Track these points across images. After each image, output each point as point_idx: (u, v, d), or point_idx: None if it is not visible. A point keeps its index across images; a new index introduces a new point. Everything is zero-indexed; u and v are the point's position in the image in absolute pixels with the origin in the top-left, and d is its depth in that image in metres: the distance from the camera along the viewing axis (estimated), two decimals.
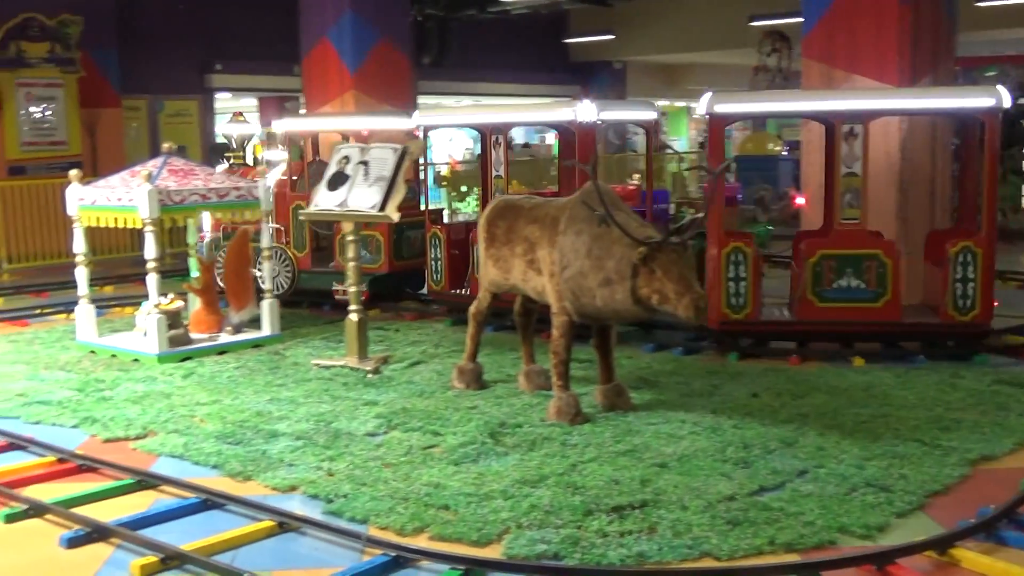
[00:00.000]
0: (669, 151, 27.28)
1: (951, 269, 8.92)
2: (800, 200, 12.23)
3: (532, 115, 13.17)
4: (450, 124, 11.43)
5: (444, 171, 22.57)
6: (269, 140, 13.74)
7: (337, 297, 11.48)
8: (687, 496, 5.82)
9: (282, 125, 13.02)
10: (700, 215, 7.40)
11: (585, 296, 7.16)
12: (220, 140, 15.10)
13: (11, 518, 5.80)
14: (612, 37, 25.96)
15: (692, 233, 7.10)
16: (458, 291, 11.13)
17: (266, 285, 10.30)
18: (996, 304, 9.20)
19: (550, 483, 6.08)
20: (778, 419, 7.32)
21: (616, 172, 23.70)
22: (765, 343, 9.56)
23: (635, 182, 14.36)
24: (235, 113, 15.18)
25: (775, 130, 27.07)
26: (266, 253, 10.30)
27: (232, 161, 13.23)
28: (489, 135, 10.65)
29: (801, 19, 11.35)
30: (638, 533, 5.36)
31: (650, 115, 11.29)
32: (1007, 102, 8.84)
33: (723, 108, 9.38)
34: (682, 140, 37.63)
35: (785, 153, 21.69)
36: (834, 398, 7.86)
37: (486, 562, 5.06)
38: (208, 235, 12.40)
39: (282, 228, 12.22)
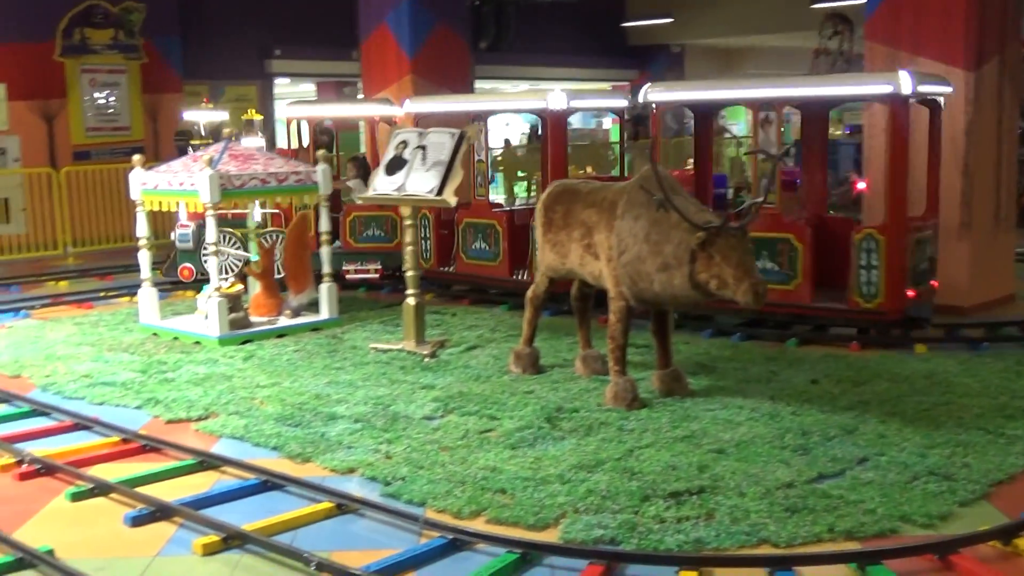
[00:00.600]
0: (727, 135, 27.04)
1: (854, 256, 8.98)
2: (861, 185, 12.06)
3: (510, 103, 13.31)
4: (439, 111, 11.85)
5: (500, 155, 22.55)
6: (247, 127, 13.35)
7: (348, 277, 12.13)
8: (745, 482, 5.78)
9: (289, 111, 13.54)
10: (759, 200, 7.33)
11: (643, 281, 7.13)
12: (195, 128, 14.31)
13: (77, 496, 5.92)
14: (671, 20, 25.76)
15: (751, 218, 7.04)
16: (446, 268, 11.95)
17: (325, 269, 10.37)
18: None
19: (607, 468, 6.07)
20: (838, 406, 7.24)
21: (673, 156, 23.54)
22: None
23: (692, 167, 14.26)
24: (205, 99, 14.64)
25: (836, 114, 26.72)
26: (324, 237, 10.37)
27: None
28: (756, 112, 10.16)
29: (864, 0, 11.17)
30: (695, 519, 5.34)
31: (620, 103, 12.05)
32: (907, 88, 8.62)
33: (658, 96, 10.09)
34: (740, 124, 37.27)
35: (846, 137, 21.39)
36: (895, 385, 7.76)
37: (543, 546, 5.06)
38: (182, 226, 12.46)
39: (281, 213, 12.40)
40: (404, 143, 9.45)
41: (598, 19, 26.38)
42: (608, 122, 31.28)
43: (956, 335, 9.40)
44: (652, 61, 27.31)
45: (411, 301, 9.28)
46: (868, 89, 9.24)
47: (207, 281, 10.65)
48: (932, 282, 9.55)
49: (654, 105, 10.01)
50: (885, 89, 8.79)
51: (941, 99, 9.48)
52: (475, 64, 17.82)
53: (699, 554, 4.96)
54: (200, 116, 13.41)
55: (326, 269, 10.39)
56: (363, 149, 18.75)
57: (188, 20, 18.74)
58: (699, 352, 8.94)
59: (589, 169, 21.89)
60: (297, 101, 14.00)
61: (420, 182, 9.09)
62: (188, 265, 12.43)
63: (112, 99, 17.49)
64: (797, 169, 14.13)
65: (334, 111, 14.35)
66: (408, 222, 9.28)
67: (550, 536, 5.24)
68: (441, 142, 9.22)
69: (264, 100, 21.06)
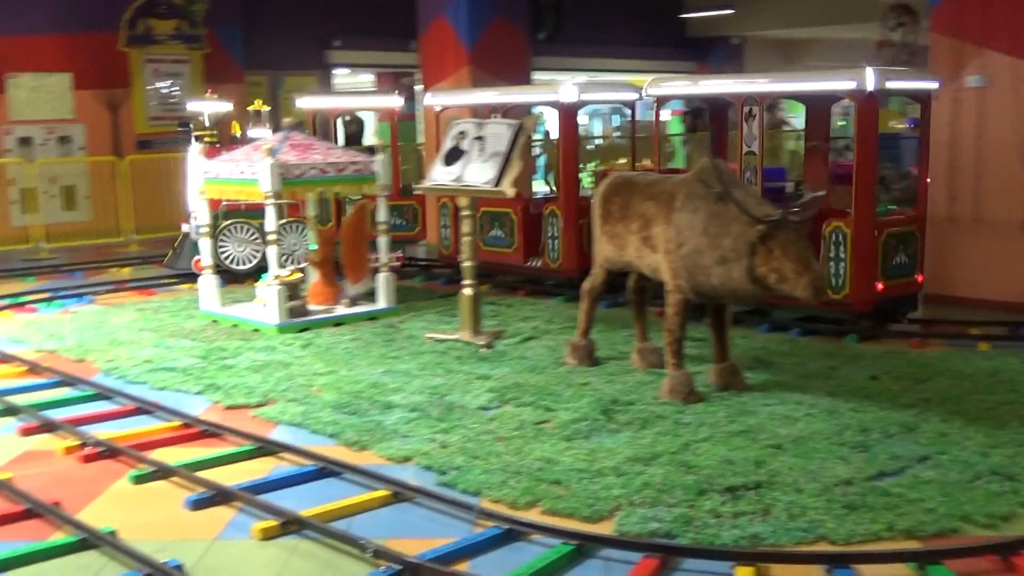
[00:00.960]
0: (786, 128, 26.75)
1: (823, 248, 9.20)
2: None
3: (522, 96, 13.08)
4: (459, 103, 12.52)
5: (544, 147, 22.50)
6: (254, 118, 13.11)
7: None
8: (803, 479, 5.73)
9: (305, 103, 13.97)
10: (820, 193, 7.25)
11: (701, 274, 7.08)
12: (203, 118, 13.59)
13: (139, 479, 6.02)
14: (731, 12, 25.50)
15: (811, 212, 6.96)
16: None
17: (383, 258, 10.42)
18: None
19: (663, 461, 6.05)
20: (898, 403, 7.15)
21: (738, 148, 23.32)
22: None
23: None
24: (207, 89, 14.36)
25: (899, 107, 26.32)
26: (383, 227, 10.42)
27: (206, 140, 12.44)
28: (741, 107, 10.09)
29: None
30: (752, 514, 5.31)
31: (631, 95, 12.25)
32: (871, 84, 8.80)
33: (657, 91, 10.88)
34: (801, 117, 36.86)
35: (909, 130, 21.04)
36: (958, 383, 7.64)
37: (598, 538, 5.06)
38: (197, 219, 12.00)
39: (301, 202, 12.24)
40: (463, 134, 9.47)
41: (657, 11, 26.18)
42: (667, 114, 31.09)
43: (1021, 333, 9.24)
44: (711, 53, 27.05)
45: (467, 291, 9.30)
46: (835, 85, 9.45)
47: (221, 272, 11.02)
48: (917, 276, 9.62)
49: (654, 99, 10.82)
50: (850, 85, 9.01)
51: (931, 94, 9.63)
52: (533, 56, 17.79)
53: (756, 550, 4.93)
54: (204, 107, 13.21)
55: (383, 259, 10.45)
56: (420, 139, 18.85)
57: (250, 11, 18.92)
58: (756, 347, 8.87)
59: (647, 162, 21.77)
60: (311, 93, 14.65)
61: (478, 173, 9.11)
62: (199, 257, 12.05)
63: (175, 89, 17.71)
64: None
65: (340, 103, 14.93)
66: (465, 213, 9.30)
67: (605, 528, 5.23)
68: (499, 133, 9.23)
69: (323, 91, 21.19)
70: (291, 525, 5.29)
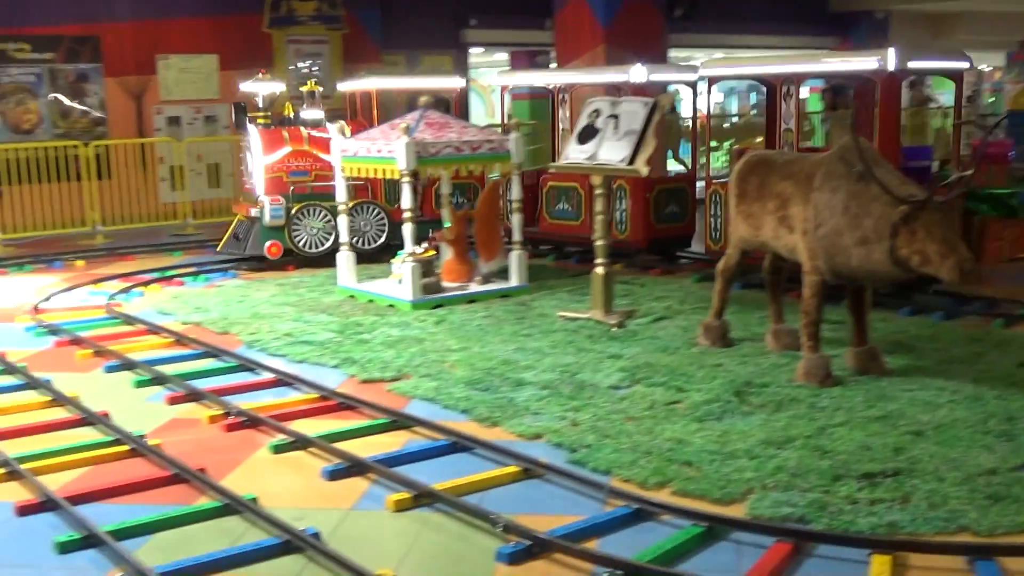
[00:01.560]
0: (932, 105, 25.84)
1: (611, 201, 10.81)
2: None
3: (590, 76, 13.35)
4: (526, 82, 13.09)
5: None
6: (309, 99, 12.92)
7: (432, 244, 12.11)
8: (944, 467, 5.56)
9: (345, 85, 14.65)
10: (967, 172, 6.99)
11: (840, 255, 6.91)
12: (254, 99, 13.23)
13: (278, 449, 6.20)
14: None
15: (958, 192, 6.71)
16: (530, 228, 12.70)
17: (516, 236, 10.47)
18: None
19: (797, 445, 5.94)
20: None
21: (875, 127, 22.65)
22: None
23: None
24: (260, 70, 13.69)
25: None
26: (516, 205, 10.47)
27: (259, 121, 12.49)
28: (780, 87, 10.69)
29: None
30: (890, 502, 5.17)
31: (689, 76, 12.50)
32: (892, 64, 9.34)
33: (709, 72, 11.64)
34: (948, 94, 35.57)
35: None
36: None
37: (729, 520, 5.01)
38: (275, 200, 12.27)
39: (367, 184, 12.68)
40: (597, 112, 9.43)
41: None
42: (806, 91, 30.37)
43: None
44: (854, 28, 26.25)
45: (600, 270, 9.28)
46: (859, 65, 9.87)
47: (295, 256, 11.47)
48: None
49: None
50: (872, 65, 9.44)
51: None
52: (668, 33, 17.59)
53: (893, 538, 4.80)
54: (258, 88, 12.89)
55: (517, 237, 10.50)
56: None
57: None
58: (897, 330, 8.62)
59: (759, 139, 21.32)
60: (368, 73, 15.04)
61: (612, 151, 9.07)
62: (276, 241, 12.16)
63: (315, 69, 18.10)
64: (1010, 141, 13.44)
65: (393, 84, 15.07)
66: (599, 191, 9.27)
67: (736, 511, 5.17)
68: (634, 111, 9.17)
69: (459, 70, 21.38)
70: (423, 498, 5.38)
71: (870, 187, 6.68)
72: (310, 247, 12.32)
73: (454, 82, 14.81)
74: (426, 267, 10.07)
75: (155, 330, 9.23)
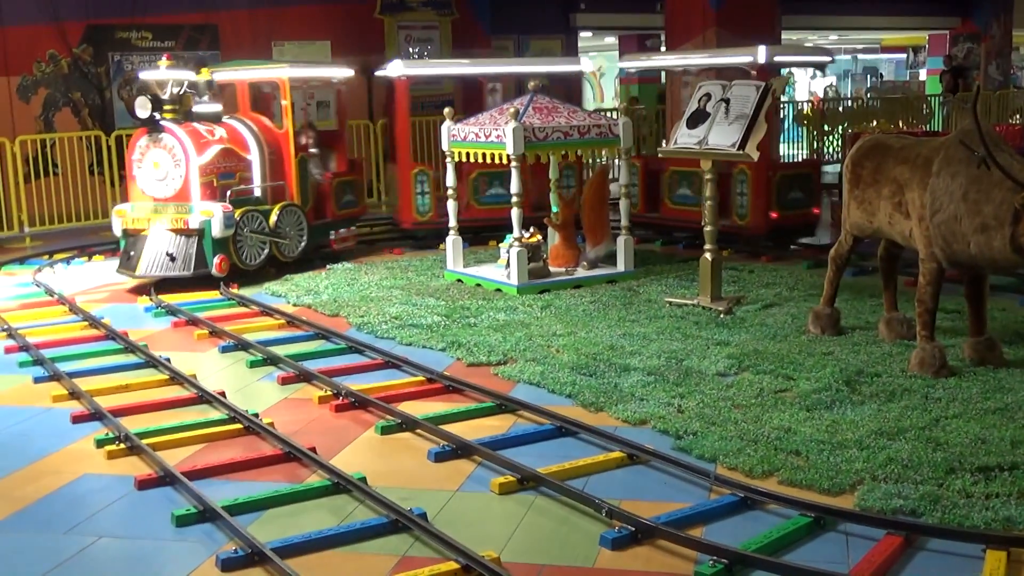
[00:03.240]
0: None
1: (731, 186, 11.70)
2: None
3: (711, 59, 13.02)
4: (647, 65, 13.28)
5: (806, 109, 21.82)
6: (207, 90, 11.19)
7: (335, 247, 12.21)
8: None
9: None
10: None
11: (958, 242, 6.72)
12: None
13: (386, 430, 6.30)
14: None
15: None
16: (652, 213, 13.33)
17: (623, 221, 10.42)
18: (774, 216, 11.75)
19: (909, 436, 5.81)
20: None
21: (996, 110, 21.95)
22: None
23: (1019, 121, 13.27)
24: (167, 56, 11.41)
25: None
26: (624, 191, 10.42)
27: (166, 116, 10.63)
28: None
29: None
30: (1006, 497, 5.02)
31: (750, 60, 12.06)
32: (762, 58, 10.99)
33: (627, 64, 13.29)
34: None
35: None
36: None
37: (838, 511, 4.92)
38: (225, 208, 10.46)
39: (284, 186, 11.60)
40: (708, 95, 9.32)
41: None
42: (924, 74, 29.58)
43: None
44: (976, 7, 25.43)
45: (708, 256, 9.18)
46: (738, 59, 11.44)
47: (244, 272, 10.71)
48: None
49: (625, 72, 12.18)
50: (748, 59, 11.21)
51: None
52: (782, 14, 17.25)
53: (1010, 534, 4.66)
54: (158, 75, 10.82)
55: (624, 222, 10.46)
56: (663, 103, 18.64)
57: None
58: (1017, 320, 8.35)
59: (900, 124, 20.81)
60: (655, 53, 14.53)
61: (722, 135, 8.96)
62: (223, 255, 10.54)
63: (426, 55, 18.25)
64: None
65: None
66: (708, 176, 9.17)
67: (845, 502, 5.09)
68: (745, 95, 9.03)
69: (568, 54, 21.34)
70: (528, 481, 5.41)
71: (991, 172, 6.47)
72: (250, 259, 10.94)
73: (573, 64, 14.48)
74: (533, 252, 10.09)
75: (268, 312, 9.46)
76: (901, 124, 20.70)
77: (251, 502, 5.21)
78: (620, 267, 10.52)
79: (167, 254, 10.46)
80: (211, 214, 10.44)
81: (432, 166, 13.51)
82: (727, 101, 9.11)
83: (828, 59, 12.95)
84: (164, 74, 10.82)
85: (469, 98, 15.06)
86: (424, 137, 16.92)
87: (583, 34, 22.34)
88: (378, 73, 13.34)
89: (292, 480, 5.56)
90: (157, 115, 10.62)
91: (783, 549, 4.64)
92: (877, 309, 8.40)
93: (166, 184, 10.63)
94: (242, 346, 8.29)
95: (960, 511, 4.88)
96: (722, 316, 8.77)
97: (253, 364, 7.85)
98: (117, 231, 10.93)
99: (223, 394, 6.97)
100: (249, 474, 5.69)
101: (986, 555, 4.47)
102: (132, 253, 10.63)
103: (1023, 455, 5.49)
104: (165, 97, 10.75)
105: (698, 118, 9.24)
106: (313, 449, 5.89)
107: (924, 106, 22.69)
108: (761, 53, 11.20)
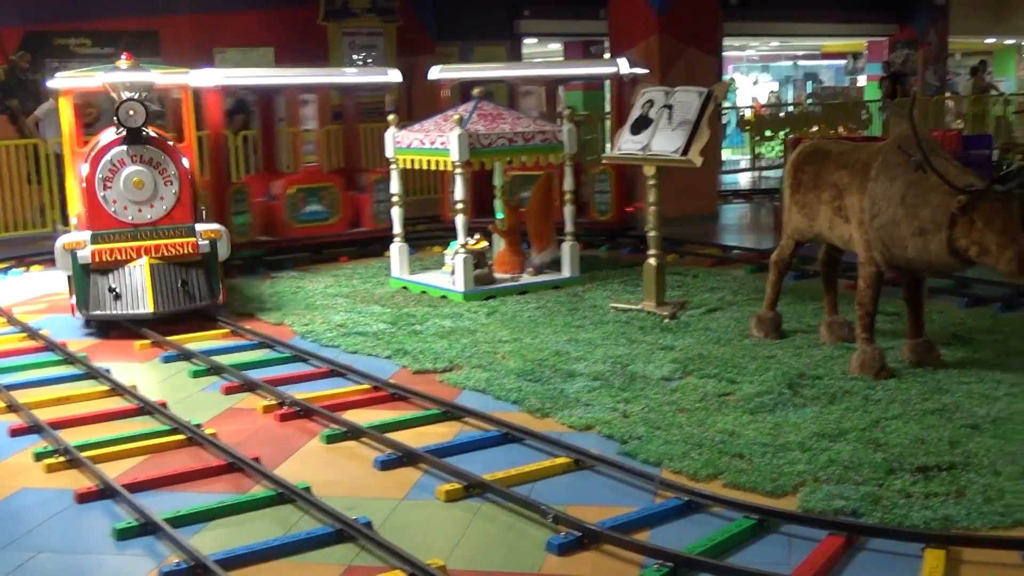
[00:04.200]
0: (994, 92, 25.39)
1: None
2: None
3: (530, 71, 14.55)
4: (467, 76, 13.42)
5: (748, 115, 22.06)
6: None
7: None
8: (1000, 461, 5.47)
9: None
10: None
11: (896, 246, 6.83)
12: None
13: (331, 439, 6.26)
14: None
15: (1019, 181, 6.60)
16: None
17: (568, 227, 10.46)
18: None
19: (850, 438, 5.89)
20: None
21: (933, 115, 22.34)
22: None
23: (956, 126, 13.53)
24: (126, 53, 9.74)
25: None
26: (569, 196, 10.45)
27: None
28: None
29: None
30: (945, 496, 5.10)
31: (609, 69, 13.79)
32: (624, 70, 13.00)
33: (444, 75, 13.13)
34: (1010, 81, 34.96)
35: None
36: None
37: (781, 513, 4.97)
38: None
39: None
40: (651, 102, 9.39)
41: None
42: (863, 79, 30.02)
43: None
44: (914, 14, 25.86)
45: (652, 261, 9.24)
46: (601, 70, 14.12)
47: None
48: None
49: (439, 82, 13.05)
50: (612, 70, 13.29)
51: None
52: (724, 21, 17.45)
53: (948, 532, 4.75)
54: (121, 78, 9.13)
55: (569, 228, 10.49)
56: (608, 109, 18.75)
57: None
58: (954, 322, 8.50)
59: (840, 129, 21.11)
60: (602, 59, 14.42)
61: (666, 141, 9.02)
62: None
63: (370, 61, 18.20)
64: None
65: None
66: (651, 182, 9.22)
67: (788, 504, 5.14)
68: (688, 101, 9.11)
69: (512, 60, 21.36)
70: (474, 488, 5.40)
71: (928, 177, 6.58)
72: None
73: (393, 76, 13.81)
74: (478, 259, 10.09)
75: (211, 321, 9.35)
76: (841, 129, 21.00)
77: (194, 514, 5.15)
78: (565, 273, 10.55)
79: (181, 284, 9.02)
80: (219, 235, 9.29)
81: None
82: (670, 107, 9.18)
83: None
84: (128, 76, 9.11)
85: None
86: None
87: (528, 40, 22.39)
88: (430, 77, 13.30)
89: (236, 491, 5.51)
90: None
91: (727, 551, 4.68)
92: (818, 312, 8.51)
93: (153, 206, 9.13)
94: (184, 356, 8.20)
95: (900, 511, 4.96)
96: (666, 321, 8.83)
97: (196, 374, 7.77)
98: (67, 266, 8.92)
99: (165, 405, 6.89)
100: (192, 485, 5.63)
101: (925, 554, 4.54)
102: (116, 288, 8.85)
103: (961, 455, 5.58)
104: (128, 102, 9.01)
105: (641, 124, 9.30)
106: (257, 459, 5.84)
107: (863, 111, 23.04)
108: (623, 65, 12.69)
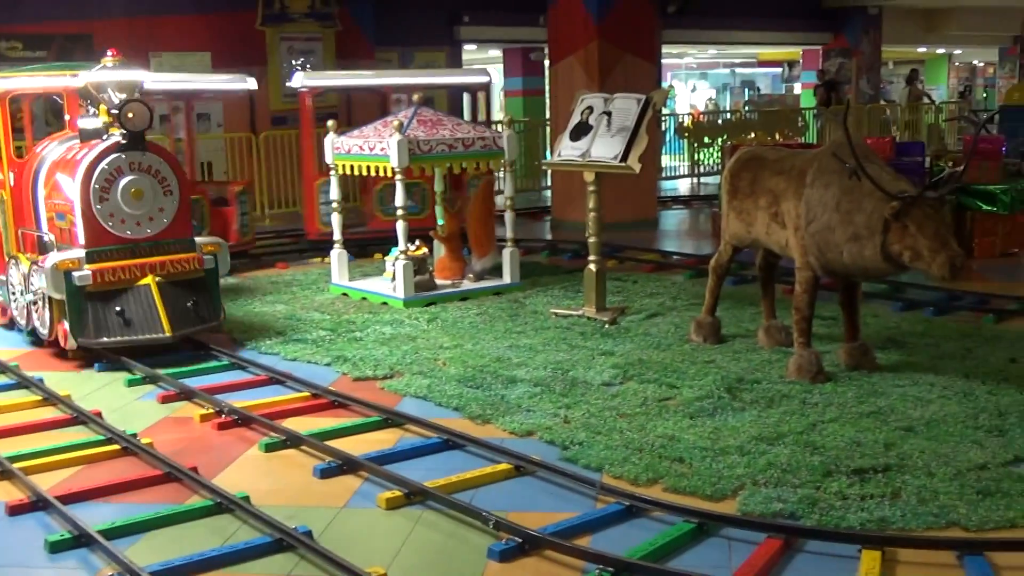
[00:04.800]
0: (926, 101, 25.88)
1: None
2: None
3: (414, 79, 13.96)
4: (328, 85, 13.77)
5: (686, 122, 22.26)
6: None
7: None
8: (934, 462, 5.57)
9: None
10: (959, 169, 7.00)
11: (831, 251, 6.92)
12: None
13: (270, 447, 6.20)
14: None
15: (950, 188, 6.73)
16: None
17: (508, 233, 10.48)
18: None
19: (788, 441, 5.96)
20: None
21: (867, 123, 22.72)
22: None
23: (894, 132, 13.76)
24: (112, 50, 8.44)
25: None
26: (509, 202, 10.47)
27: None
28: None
29: None
30: (880, 497, 5.18)
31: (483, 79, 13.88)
32: (496, 80, 12.55)
33: (310, 82, 12.71)
34: (941, 89, 35.66)
35: None
36: None
37: (720, 517, 5.01)
38: None
39: None
40: (590, 108, 9.43)
41: None
42: (798, 87, 30.45)
43: None
44: (847, 23, 26.28)
45: (592, 267, 9.28)
46: (469, 79, 13.88)
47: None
48: None
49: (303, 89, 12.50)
50: (484, 79, 13.63)
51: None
52: (663, 28, 17.59)
53: (883, 533, 4.82)
54: (107, 77, 8.25)
55: (509, 234, 10.51)
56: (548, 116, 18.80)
57: None
58: (889, 326, 8.64)
59: (777, 136, 21.38)
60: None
61: (605, 148, 9.07)
62: None
63: (308, 67, 18.07)
64: (1001, 137, 13.48)
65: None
66: (591, 188, 9.27)
67: (727, 508, 5.19)
68: (627, 108, 9.16)
69: (451, 67, 21.35)
70: (416, 496, 5.38)
71: (862, 183, 6.69)
72: None
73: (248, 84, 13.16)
74: (419, 265, 10.07)
75: None
76: (777, 136, 21.26)
77: (129, 525, 5.07)
78: (506, 279, 10.56)
79: (192, 303, 8.27)
80: (219, 249, 8.62)
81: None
82: (609, 114, 9.23)
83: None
84: (115, 75, 8.21)
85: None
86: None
87: (468, 47, 22.38)
88: (292, 84, 12.97)
89: (173, 501, 5.43)
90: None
91: (668, 556, 4.71)
92: (756, 317, 8.60)
93: (153, 219, 8.28)
94: (119, 365, 8.07)
95: (837, 513, 5.02)
96: (607, 326, 8.87)
97: (131, 383, 7.65)
98: (59, 289, 7.86)
99: (100, 414, 6.77)
100: (128, 496, 5.54)
101: (862, 555, 4.60)
102: (123, 310, 7.97)
103: (896, 457, 5.67)
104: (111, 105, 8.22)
105: (581, 130, 9.34)
106: (194, 469, 5.76)
107: (799, 119, 23.37)
108: (492, 75, 12.76)
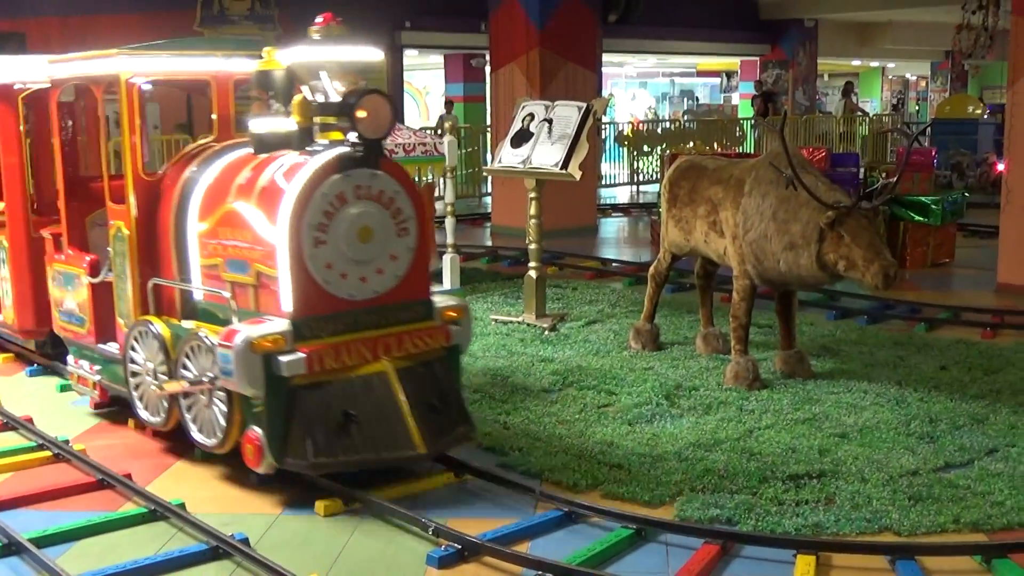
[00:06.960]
0: (859, 113, 26.33)
1: None
2: (1001, 166, 11.69)
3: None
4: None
5: (626, 130, 22.41)
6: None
7: None
8: (867, 468, 5.67)
9: None
10: (892, 180, 7.13)
11: (768, 260, 7.01)
12: None
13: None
14: None
15: (884, 198, 6.85)
16: None
17: (448, 239, 10.47)
18: None
19: (725, 448, 6.02)
20: (968, 394, 7.02)
21: (803, 134, 23.05)
22: None
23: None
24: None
25: (976, 92, 25.77)
26: (450, 208, 10.45)
27: None
28: None
29: None
30: (815, 503, 5.26)
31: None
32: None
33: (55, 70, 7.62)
34: (875, 102, 36.30)
35: (986, 117, 20.61)
36: None
37: (658, 523, 5.05)
38: None
39: None
40: (531, 115, 9.46)
41: None
42: (736, 98, 30.82)
43: None
44: (784, 35, 26.66)
45: (532, 274, 9.31)
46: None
47: None
48: None
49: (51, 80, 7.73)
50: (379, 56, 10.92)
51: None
52: (603, 37, 17.69)
53: (818, 538, 4.89)
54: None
55: (449, 240, 10.49)
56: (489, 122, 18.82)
57: None
58: (823, 334, 8.77)
59: (715, 145, 21.62)
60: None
61: (546, 155, 9.10)
62: None
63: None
64: (933, 149, 13.77)
65: None
66: (532, 195, 9.29)
67: (665, 513, 5.23)
68: (568, 115, 9.20)
69: (393, 72, 21.29)
70: (354, 503, 5.35)
71: (798, 193, 6.79)
72: None
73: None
74: None
75: None
76: (716, 146, 21.49)
77: (61, 533, 4.98)
78: (446, 285, 10.52)
79: (438, 399, 5.71)
80: (463, 314, 6.00)
81: None
82: (550, 121, 9.26)
83: None
84: (339, 53, 6.33)
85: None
86: None
87: (409, 52, 22.33)
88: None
89: (106, 508, 5.34)
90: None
91: (606, 561, 4.74)
92: (694, 325, 8.68)
93: (383, 271, 5.67)
94: (51, 370, 7.92)
95: (772, 518, 5.09)
96: (547, 333, 8.90)
97: (64, 388, 7.51)
98: (255, 382, 5.25)
99: (31, 420, 6.64)
100: (59, 504, 5.45)
101: (796, 560, 4.67)
102: (353, 414, 5.31)
103: (830, 463, 5.76)
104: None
105: (522, 137, 9.36)
106: (128, 475, 5.67)
107: (737, 129, 23.64)
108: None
